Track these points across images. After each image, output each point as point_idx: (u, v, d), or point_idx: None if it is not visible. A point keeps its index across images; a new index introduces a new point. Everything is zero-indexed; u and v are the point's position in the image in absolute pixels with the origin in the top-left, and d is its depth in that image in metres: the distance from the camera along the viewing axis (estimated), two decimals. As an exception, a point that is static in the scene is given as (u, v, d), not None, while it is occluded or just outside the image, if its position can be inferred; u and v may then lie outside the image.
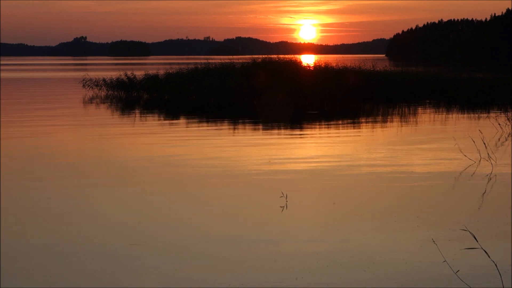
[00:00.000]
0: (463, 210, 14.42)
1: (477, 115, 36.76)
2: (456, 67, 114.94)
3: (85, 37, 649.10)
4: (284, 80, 45.00)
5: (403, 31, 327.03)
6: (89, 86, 55.58)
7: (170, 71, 51.89)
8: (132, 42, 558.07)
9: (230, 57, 62.00)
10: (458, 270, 10.08)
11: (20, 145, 24.56)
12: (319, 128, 30.70)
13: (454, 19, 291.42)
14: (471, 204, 14.96)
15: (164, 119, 34.93)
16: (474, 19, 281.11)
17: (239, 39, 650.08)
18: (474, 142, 22.54)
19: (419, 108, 40.88)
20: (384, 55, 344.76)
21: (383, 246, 11.56)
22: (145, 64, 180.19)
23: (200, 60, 58.23)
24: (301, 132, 29.07)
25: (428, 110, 40.14)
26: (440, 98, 47.91)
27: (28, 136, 27.34)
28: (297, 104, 41.17)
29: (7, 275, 10.17)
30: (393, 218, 13.55)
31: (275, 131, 29.05)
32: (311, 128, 30.78)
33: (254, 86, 44.59)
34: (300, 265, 10.59)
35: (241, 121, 33.73)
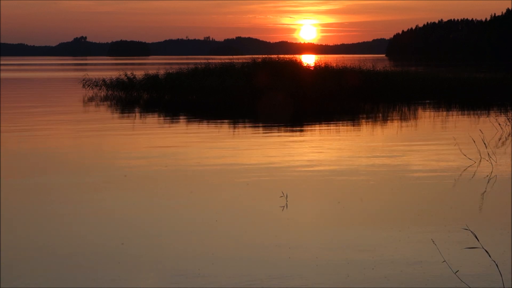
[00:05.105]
0: (463, 210, 14.42)
1: (477, 115, 36.76)
2: (456, 67, 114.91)
3: (85, 37, 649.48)
4: (284, 80, 45.00)
5: (403, 31, 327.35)
6: (89, 86, 55.58)
7: (170, 71, 51.87)
8: (132, 42, 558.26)
9: (230, 57, 61.98)
10: (458, 270, 10.07)
11: (20, 145, 24.55)
12: (319, 128, 30.69)
13: (454, 19, 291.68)
14: (471, 204, 14.96)
15: (164, 119, 34.92)
16: (474, 19, 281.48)
17: (239, 39, 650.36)
18: (474, 142, 22.53)
19: (419, 108, 40.88)
20: (384, 55, 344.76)
21: (382, 246, 11.56)
22: (145, 64, 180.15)
23: (200, 60, 58.22)
24: (301, 132, 29.07)
25: (428, 110, 40.13)
26: (440, 98, 47.90)
27: (28, 136, 27.33)
28: (297, 104, 41.15)
29: (7, 275, 10.16)
30: (393, 218, 13.55)
31: (275, 131, 29.05)
32: (311, 128, 30.77)
33: (254, 86, 44.58)
34: (300, 264, 10.59)
35: (241, 121, 33.73)
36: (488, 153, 21.01)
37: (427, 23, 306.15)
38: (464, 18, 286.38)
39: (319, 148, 23.40)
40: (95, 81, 55.66)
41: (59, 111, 39.28)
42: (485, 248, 9.92)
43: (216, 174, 18.42)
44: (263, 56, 51.60)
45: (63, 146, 24.56)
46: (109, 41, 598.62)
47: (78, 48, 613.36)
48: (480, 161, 20.24)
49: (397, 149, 23.06)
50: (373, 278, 9.98)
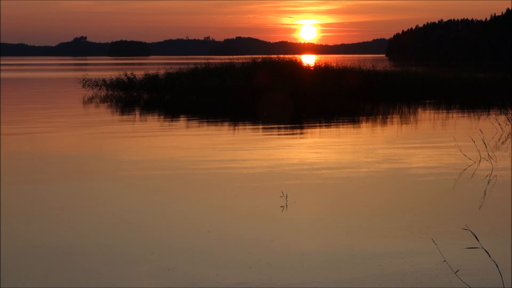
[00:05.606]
0: (463, 210, 14.42)
1: (477, 115, 36.75)
2: (456, 67, 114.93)
3: (85, 37, 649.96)
4: (284, 80, 45.01)
5: (403, 31, 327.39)
6: (89, 86, 55.58)
7: (170, 71, 51.88)
8: (132, 42, 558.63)
9: (230, 57, 62.01)
10: (458, 270, 10.07)
11: (20, 145, 24.55)
12: (319, 128, 30.69)
13: (454, 19, 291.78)
14: (471, 204, 14.96)
15: (164, 119, 34.92)
16: (474, 19, 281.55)
17: (239, 39, 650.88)
18: (474, 142, 22.53)
19: (419, 108, 40.88)
20: (384, 55, 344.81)
21: (382, 246, 11.55)
22: (145, 64, 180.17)
23: (200, 60, 58.23)
24: (301, 132, 29.07)
25: (428, 110, 40.13)
26: (440, 98, 47.91)
27: (28, 136, 27.33)
28: (297, 104, 41.16)
29: (7, 275, 10.16)
30: (392, 218, 13.55)
31: (275, 131, 29.05)
32: (311, 128, 30.78)
33: (254, 86, 44.60)
34: (300, 265, 10.59)
35: (241, 121, 33.72)
36: (488, 153, 21.00)
37: (427, 23, 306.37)
38: (464, 18, 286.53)
39: (319, 148, 23.40)
40: (95, 81, 55.64)
41: (59, 112, 39.27)
42: (485, 248, 9.92)
43: (216, 174, 18.41)
44: (263, 56, 51.63)
45: (63, 147, 24.56)
46: (109, 41, 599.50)
47: (78, 48, 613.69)
48: (480, 161, 20.24)
49: (397, 149, 23.06)
50: (373, 278, 9.98)
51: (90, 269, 10.40)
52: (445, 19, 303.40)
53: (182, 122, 33.55)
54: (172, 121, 34.09)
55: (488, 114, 36.41)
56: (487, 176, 18.12)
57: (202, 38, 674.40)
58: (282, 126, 30.98)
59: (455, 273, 9.94)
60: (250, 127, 30.87)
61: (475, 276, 10.02)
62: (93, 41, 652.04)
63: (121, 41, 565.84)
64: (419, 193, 16.07)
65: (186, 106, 43.62)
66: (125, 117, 36.13)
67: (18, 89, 66.35)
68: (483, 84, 52.74)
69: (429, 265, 10.51)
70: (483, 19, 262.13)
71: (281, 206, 14.47)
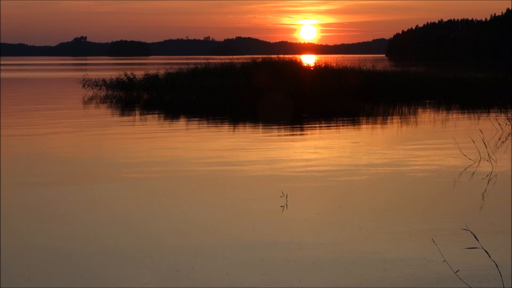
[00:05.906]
0: (463, 210, 14.42)
1: (477, 115, 36.76)
2: (456, 67, 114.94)
3: (85, 37, 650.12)
4: (284, 80, 45.02)
5: (403, 31, 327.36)
6: (89, 86, 55.57)
7: (170, 71, 51.88)
8: (132, 42, 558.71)
9: (230, 57, 61.99)
10: (458, 270, 10.08)
11: (20, 146, 24.55)
12: (319, 128, 30.69)
13: (454, 19, 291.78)
14: (471, 204, 14.96)
15: (164, 119, 34.92)
16: (474, 19, 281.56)
17: (239, 39, 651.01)
18: (474, 142, 22.53)
19: (419, 108, 40.88)
20: (384, 55, 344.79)
21: (382, 246, 11.56)
22: (145, 64, 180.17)
23: (200, 60, 58.22)
24: (301, 132, 29.07)
25: (428, 110, 40.13)
26: (440, 98, 47.92)
27: (27, 136, 27.33)
28: (297, 104, 41.16)
29: (7, 275, 10.16)
30: (393, 218, 13.55)
31: (275, 131, 29.05)
32: (311, 128, 30.78)
33: (254, 86, 44.60)
34: (299, 265, 10.59)
35: (241, 121, 33.72)
36: (488, 153, 21.00)
37: (427, 23, 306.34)
38: (464, 18, 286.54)
39: (319, 148, 23.40)
40: (95, 81, 55.62)
41: (59, 112, 39.27)
42: (485, 248, 9.92)
43: (216, 175, 18.41)
44: (263, 56, 51.63)
45: (63, 146, 24.55)
46: (109, 41, 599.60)
47: (78, 48, 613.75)
48: (480, 161, 20.24)
49: (397, 149, 23.05)
50: (373, 278, 9.98)
51: (91, 270, 10.41)
52: (445, 19, 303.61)
53: (182, 122, 33.55)
54: (172, 121, 34.08)
55: (488, 114, 36.41)
56: (487, 176, 18.12)
57: (202, 38, 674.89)
58: (282, 126, 30.98)
59: (455, 273, 9.94)
60: (250, 127, 30.87)
61: (475, 276, 10.03)
62: (93, 41, 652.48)
63: (121, 41, 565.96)
64: (419, 193, 16.08)
65: (186, 106, 43.62)
66: (125, 117, 36.13)
67: (18, 89, 66.34)
68: (483, 84, 52.74)
69: (429, 265, 10.51)
70: (483, 19, 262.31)
71: (281, 206, 14.48)
